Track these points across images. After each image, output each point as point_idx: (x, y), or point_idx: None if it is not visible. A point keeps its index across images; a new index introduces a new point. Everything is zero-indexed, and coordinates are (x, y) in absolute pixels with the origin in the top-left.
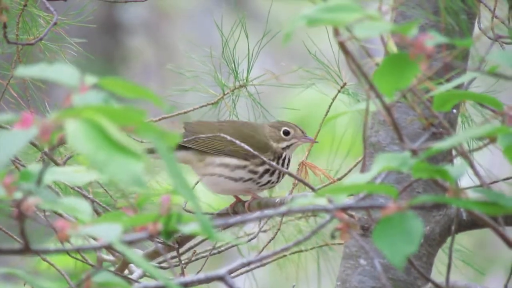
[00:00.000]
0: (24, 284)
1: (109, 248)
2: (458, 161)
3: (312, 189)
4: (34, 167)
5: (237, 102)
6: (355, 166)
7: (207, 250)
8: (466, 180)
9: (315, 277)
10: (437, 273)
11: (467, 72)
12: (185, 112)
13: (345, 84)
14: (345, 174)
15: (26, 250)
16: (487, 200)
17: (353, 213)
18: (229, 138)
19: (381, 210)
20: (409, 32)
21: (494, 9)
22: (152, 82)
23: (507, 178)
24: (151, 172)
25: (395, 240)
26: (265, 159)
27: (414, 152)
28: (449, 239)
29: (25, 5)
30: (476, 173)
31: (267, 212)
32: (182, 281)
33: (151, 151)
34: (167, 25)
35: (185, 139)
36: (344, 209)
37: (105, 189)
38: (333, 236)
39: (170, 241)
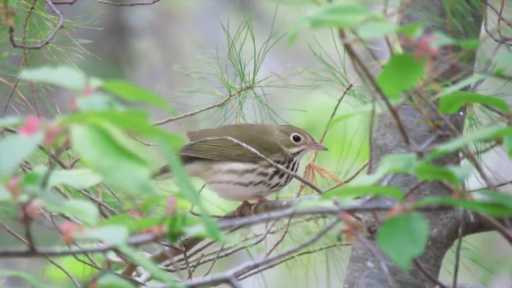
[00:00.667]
0: None
1: (117, 251)
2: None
3: (319, 191)
4: (40, 169)
5: (243, 104)
6: (362, 168)
7: (215, 252)
8: (473, 182)
9: (324, 278)
10: (446, 273)
11: (473, 74)
12: (191, 114)
13: (351, 85)
14: (353, 177)
15: (32, 252)
16: (494, 202)
17: (360, 215)
18: (236, 141)
19: (386, 212)
20: (414, 33)
21: (501, 11)
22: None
23: None
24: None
25: (401, 242)
26: (271, 161)
27: (420, 154)
28: (456, 242)
29: (32, 8)
30: (483, 175)
31: (274, 214)
32: (188, 284)
33: (164, 171)
34: (173, 27)
35: (189, 149)
36: (350, 211)
37: (111, 192)
38: (339, 239)
39: (177, 243)
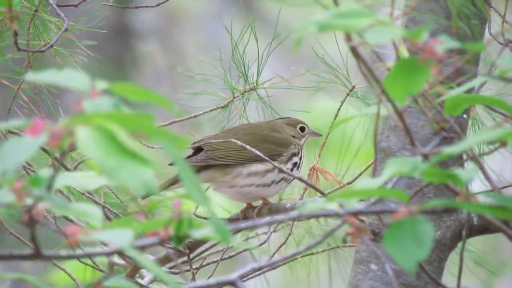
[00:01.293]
0: None
1: (120, 253)
2: (469, 165)
3: (323, 194)
4: (44, 172)
5: (247, 105)
6: (365, 170)
7: (219, 251)
8: (477, 185)
9: (326, 277)
10: (450, 275)
11: (477, 77)
12: (195, 116)
13: (353, 87)
14: (355, 179)
15: (37, 255)
16: (498, 204)
17: (363, 218)
18: (239, 143)
19: (392, 215)
20: (420, 37)
21: (504, 14)
22: (163, 86)
23: None
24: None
25: (406, 245)
26: (276, 164)
27: (425, 157)
28: (459, 244)
29: (36, 11)
30: (487, 178)
31: (278, 217)
32: (192, 286)
33: (174, 182)
34: (177, 29)
35: (209, 158)
36: (355, 214)
37: (115, 194)
38: (344, 241)
39: (181, 246)
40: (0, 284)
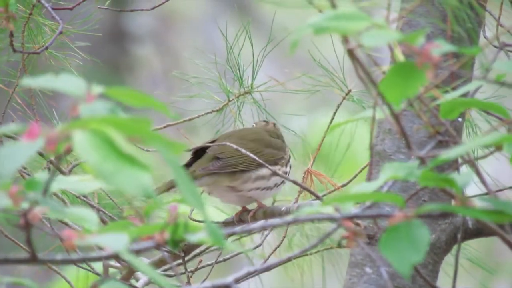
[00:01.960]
0: None
1: (116, 257)
2: (464, 169)
3: (318, 197)
4: (40, 176)
5: (242, 109)
6: (359, 172)
7: (213, 250)
8: (473, 188)
9: (319, 278)
10: (445, 275)
11: (473, 81)
12: (190, 119)
13: (350, 91)
14: (349, 181)
15: (33, 259)
16: (493, 208)
17: (359, 221)
18: (235, 147)
19: (387, 219)
20: (416, 41)
21: (499, 17)
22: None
23: None
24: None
25: (402, 248)
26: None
27: (422, 160)
28: (454, 248)
29: (31, 14)
30: (483, 181)
31: (275, 221)
32: None
33: (171, 186)
34: (172, 33)
35: (220, 167)
36: (351, 218)
37: (110, 198)
38: (340, 245)
39: (176, 249)
40: None
